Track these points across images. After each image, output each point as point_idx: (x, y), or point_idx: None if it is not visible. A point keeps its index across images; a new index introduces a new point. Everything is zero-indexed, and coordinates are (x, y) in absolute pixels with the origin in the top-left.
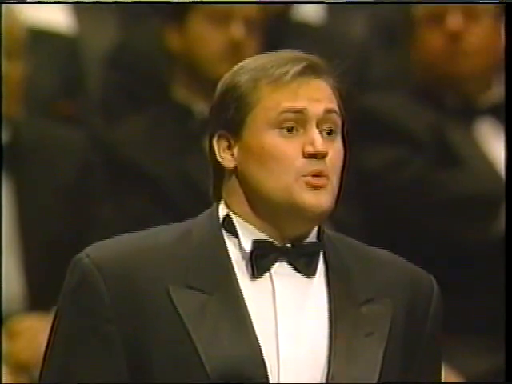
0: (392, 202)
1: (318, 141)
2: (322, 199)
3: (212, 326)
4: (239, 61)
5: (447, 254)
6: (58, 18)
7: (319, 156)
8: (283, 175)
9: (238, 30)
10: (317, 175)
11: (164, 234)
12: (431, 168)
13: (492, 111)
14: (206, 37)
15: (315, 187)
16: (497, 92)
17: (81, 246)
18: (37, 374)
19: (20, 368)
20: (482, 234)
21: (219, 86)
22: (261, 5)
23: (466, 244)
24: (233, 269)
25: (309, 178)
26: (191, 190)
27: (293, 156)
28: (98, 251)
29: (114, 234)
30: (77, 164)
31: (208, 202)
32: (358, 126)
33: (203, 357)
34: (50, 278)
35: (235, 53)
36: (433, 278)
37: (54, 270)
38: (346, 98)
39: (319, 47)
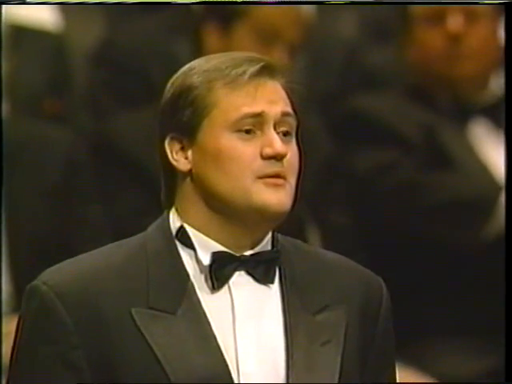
0: (383, 205)
1: (277, 142)
2: (281, 198)
3: (178, 346)
4: None
5: (438, 257)
6: (43, 15)
7: (278, 157)
8: (241, 177)
9: (280, 56)
10: (274, 176)
11: (118, 251)
12: (423, 170)
13: (486, 112)
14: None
15: (273, 186)
16: (491, 93)
17: (69, 246)
18: None
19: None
20: (474, 238)
21: (170, 88)
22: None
23: (458, 247)
24: (192, 284)
25: (266, 179)
26: None
27: (250, 158)
28: (54, 277)
29: (103, 234)
30: (64, 163)
31: None
32: (348, 127)
33: (172, 377)
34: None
35: None
36: (380, 278)
37: (42, 271)
38: (333, 100)
39: (311, 46)
